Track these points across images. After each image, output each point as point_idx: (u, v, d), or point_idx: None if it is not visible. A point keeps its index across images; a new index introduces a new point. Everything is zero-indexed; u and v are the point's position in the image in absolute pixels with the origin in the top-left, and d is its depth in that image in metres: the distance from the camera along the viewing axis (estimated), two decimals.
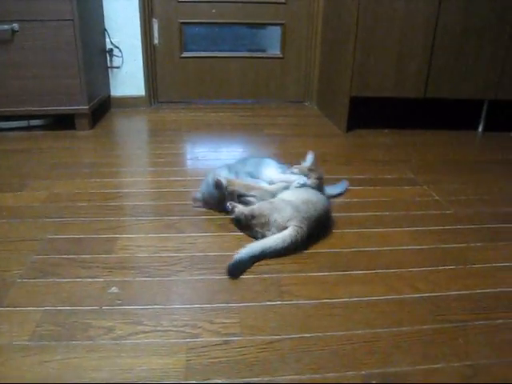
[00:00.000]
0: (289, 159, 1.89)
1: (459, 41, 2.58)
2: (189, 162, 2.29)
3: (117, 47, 3.02)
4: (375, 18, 2.49)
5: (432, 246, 1.53)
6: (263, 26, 3.32)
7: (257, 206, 1.51)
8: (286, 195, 1.57)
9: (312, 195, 1.56)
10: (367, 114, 3.04)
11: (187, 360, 1.01)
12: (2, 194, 1.82)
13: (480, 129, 2.95)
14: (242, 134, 2.76)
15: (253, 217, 1.48)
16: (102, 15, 2.93)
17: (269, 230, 1.46)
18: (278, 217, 1.44)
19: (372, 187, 1.98)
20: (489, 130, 2.93)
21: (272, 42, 3.35)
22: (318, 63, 3.23)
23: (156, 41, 3.15)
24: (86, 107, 2.59)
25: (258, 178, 1.74)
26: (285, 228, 1.43)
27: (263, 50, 3.40)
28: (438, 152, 2.52)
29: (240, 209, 1.53)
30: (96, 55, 2.83)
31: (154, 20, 3.09)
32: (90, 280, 1.28)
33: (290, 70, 3.35)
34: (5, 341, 1.06)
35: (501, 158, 2.47)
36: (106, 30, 2.96)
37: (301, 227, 1.42)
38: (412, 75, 2.63)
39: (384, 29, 2.52)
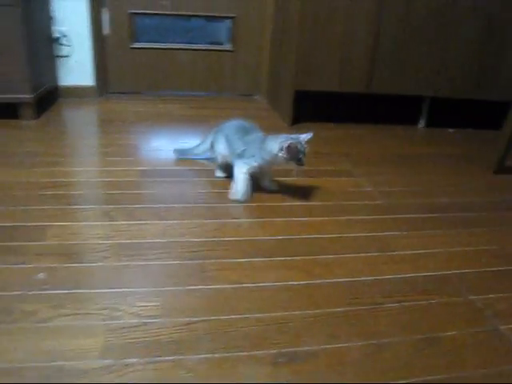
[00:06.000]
0: None
1: (401, 38, 2.68)
2: (133, 152, 2.30)
3: (65, 36, 2.99)
4: (318, 14, 2.55)
5: (357, 235, 1.61)
6: (214, 18, 3.34)
7: None
8: None
9: None
10: (314, 108, 3.11)
11: (106, 341, 1.05)
12: None
13: (421, 124, 3.07)
14: (188, 124, 2.80)
15: None
16: (48, 2, 2.88)
17: None
18: None
19: (308, 178, 2.04)
20: (430, 126, 3.05)
21: (224, 35, 3.38)
22: (268, 57, 3.28)
23: (106, 31, 3.13)
24: (31, 96, 2.55)
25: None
26: None
27: (216, 43, 3.42)
28: (379, 145, 2.62)
29: None
30: (42, 43, 2.79)
31: (103, 10, 3.07)
32: (17, 266, 1.30)
33: (241, 64, 3.39)
34: None
35: (436, 152, 2.59)
36: (52, 17, 2.92)
37: None
38: (356, 70, 2.71)
39: (328, 25, 2.58)
